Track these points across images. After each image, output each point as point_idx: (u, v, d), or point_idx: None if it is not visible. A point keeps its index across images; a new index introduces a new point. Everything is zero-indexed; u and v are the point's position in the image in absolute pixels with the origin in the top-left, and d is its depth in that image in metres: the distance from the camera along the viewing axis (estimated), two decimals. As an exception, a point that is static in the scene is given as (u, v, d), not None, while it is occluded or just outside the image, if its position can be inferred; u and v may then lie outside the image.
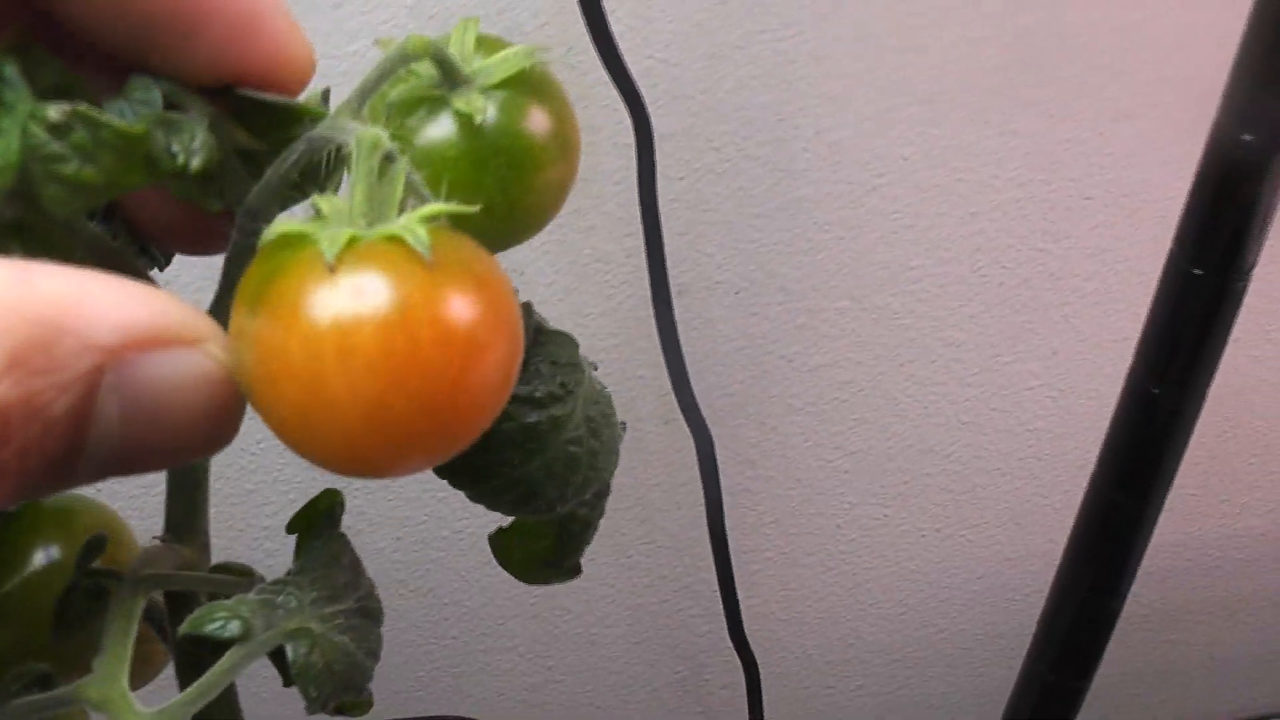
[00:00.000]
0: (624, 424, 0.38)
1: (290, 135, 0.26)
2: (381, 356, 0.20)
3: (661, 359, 0.71)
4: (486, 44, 0.29)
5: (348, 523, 0.86)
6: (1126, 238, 0.82)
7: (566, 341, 0.33)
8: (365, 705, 0.36)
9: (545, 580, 0.38)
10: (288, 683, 0.29)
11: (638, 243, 0.70)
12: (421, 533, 0.81)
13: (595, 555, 0.85)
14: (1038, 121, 0.76)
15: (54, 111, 0.22)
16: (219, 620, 0.27)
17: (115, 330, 0.20)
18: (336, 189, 0.27)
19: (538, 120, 0.28)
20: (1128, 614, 1.00)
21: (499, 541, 0.37)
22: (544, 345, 0.32)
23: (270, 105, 0.26)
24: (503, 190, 0.28)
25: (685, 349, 0.76)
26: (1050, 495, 0.91)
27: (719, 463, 0.75)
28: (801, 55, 0.71)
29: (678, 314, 0.75)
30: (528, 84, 0.28)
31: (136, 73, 0.24)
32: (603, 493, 0.35)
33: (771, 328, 0.79)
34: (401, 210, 0.23)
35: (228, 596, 0.29)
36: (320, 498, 0.33)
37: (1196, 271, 0.58)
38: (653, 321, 0.68)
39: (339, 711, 0.35)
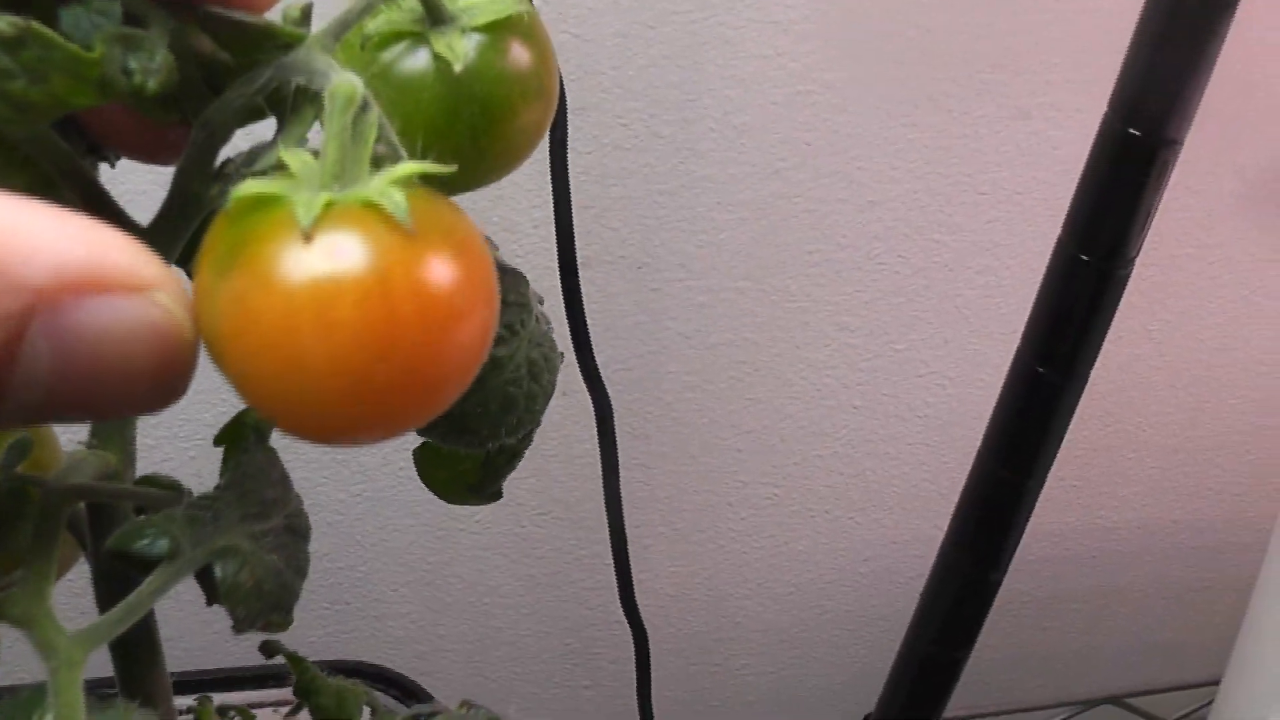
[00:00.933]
0: (562, 354, 0.38)
1: (258, 56, 0.25)
2: (363, 327, 0.20)
3: (565, 330, 0.72)
4: None
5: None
6: (1019, 233, 0.84)
7: (518, 279, 0.33)
8: (285, 622, 0.35)
9: (465, 501, 0.38)
10: (212, 601, 0.28)
11: (545, 213, 0.71)
12: (319, 495, 0.82)
13: (490, 525, 0.86)
14: (937, 116, 0.78)
15: (5, 24, 0.21)
16: (147, 537, 0.27)
17: (48, 270, 0.18)
18: (302, 125, 0.25)
19: (516, 68, 0.27)
20: (1006, 600, 1.03)
21: (423, 459, 0.36)
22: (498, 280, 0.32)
23: (237, 24, 0.24)
24: (473, 138, 0.27)
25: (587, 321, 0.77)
26: (938, 481, 0.94)
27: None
28: (713, 38, 0.72)
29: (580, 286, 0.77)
30: (511, 29, 0.27)
31: None
32: (532, 427, 0.35)
33: (671, 304, 0.80)
34: (374, 166, 0.22)
35: (152, 510, 0.28)
36: (249, 410, 0.32)
37: (1083, 257, 0.61)
38: (559, 292, 0.69)
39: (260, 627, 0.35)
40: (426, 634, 0.90)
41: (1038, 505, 0.97)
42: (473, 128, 0.27)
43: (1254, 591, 0.81)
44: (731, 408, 0.86)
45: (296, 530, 0.31)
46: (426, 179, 0.28)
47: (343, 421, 0.21)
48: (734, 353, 0.84)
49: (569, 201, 0.67)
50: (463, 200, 0.74)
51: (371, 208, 0.20)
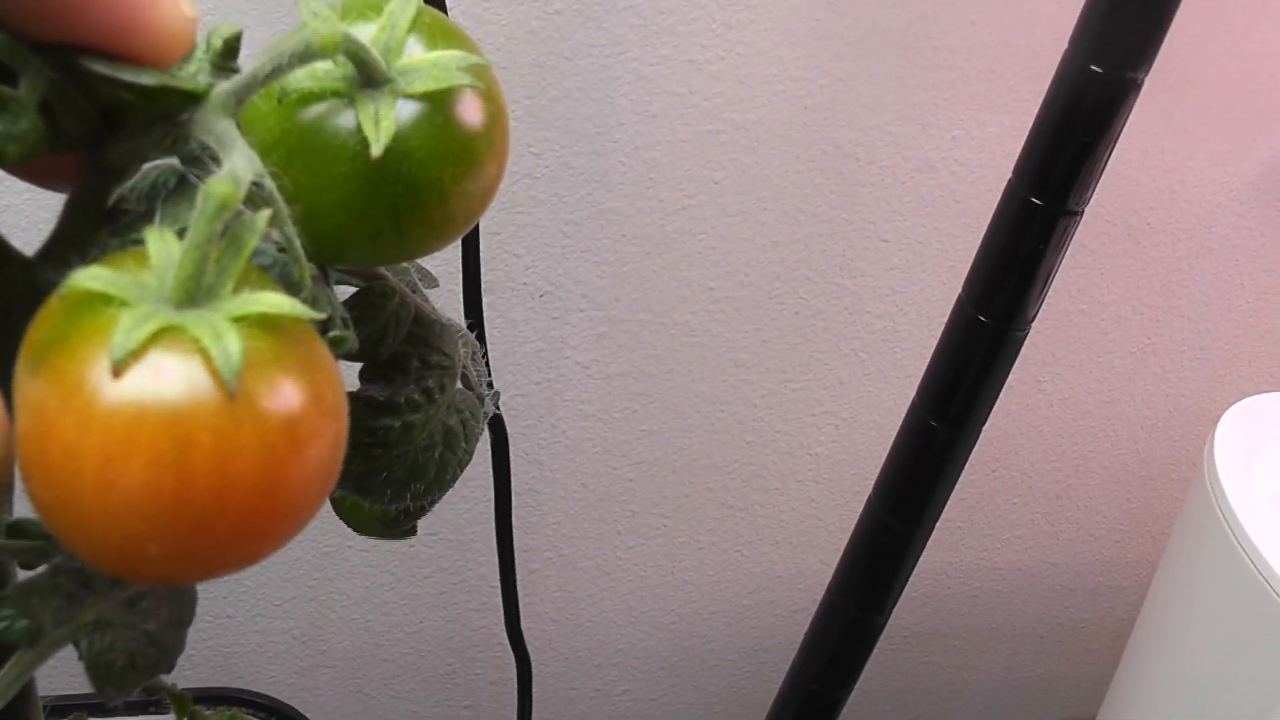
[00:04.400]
0: (497, 394, 0.37)
1: (157, 105, 0.23)
2: (143, 496, 0.18)
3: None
4: (427, 26, 0.24)
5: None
6: (918, 281, 0.85)
7: (447, 339, 0.31)
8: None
9: (379, 535, 0.36)
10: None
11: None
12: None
13: (378, 543, 0.86)
14: (844, 163, 0.79)
15: None
16: (3, 620, 0.24)
17: None
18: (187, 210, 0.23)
19: (453, 145, 0.24)
20: (889, 634, 1.04)
21: (343, 506, 0.34)
22: (422, 340, 0.31)
23: (124, 84, 0.22)
24: (395, 220, 0.24)
25: (487, 346, 0.77)
26: (825, 518, 0.95)
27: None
28: (627, 73, 0.72)
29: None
30: (454, 96, 0.24)
31: None
32: (457, 476, 0.34)
33: (571, 333, 0.80)
34: (246, 277, 0.20)
35: (25, 563, 0.26)
36: None
37: (981, 319, 0.62)
38: (461, 316, 0.69)
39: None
40: (308, 649, 0.89)
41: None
42: (394, 208, 0.24)
43: (1133, 633, 0.83)
44: (625, 437, 0.87)
45: (181, 599, 0.30)
46: (338, 257, 0.27)
47: (119, 572, 0.20)
48: (631, 384, 0.84)
49: (476, 231, 0.66)
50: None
51: (200, 349, 0.18)
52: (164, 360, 0.18)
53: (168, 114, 0.23)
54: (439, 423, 0.31)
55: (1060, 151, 0.58)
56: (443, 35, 0.24)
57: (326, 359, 0.20)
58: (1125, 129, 0.58)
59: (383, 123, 0.23)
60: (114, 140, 0.23)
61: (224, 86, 0.22)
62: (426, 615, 0.90)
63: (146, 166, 0.25)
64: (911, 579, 1.01)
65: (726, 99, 0.75)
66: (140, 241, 0.20)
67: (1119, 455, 1.01)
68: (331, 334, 0.25)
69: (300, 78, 0.23)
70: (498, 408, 0.69)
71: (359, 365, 0.31)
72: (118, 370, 0.18)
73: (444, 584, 0.89)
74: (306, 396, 0.19)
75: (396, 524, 0.37)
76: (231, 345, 0.18)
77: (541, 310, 0.79)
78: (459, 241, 0.67)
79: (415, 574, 0.88)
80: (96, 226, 0.25)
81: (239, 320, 0.19)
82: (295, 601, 0.86)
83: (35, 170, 0.24)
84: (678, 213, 0.78)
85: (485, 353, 0.69)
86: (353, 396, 0.29)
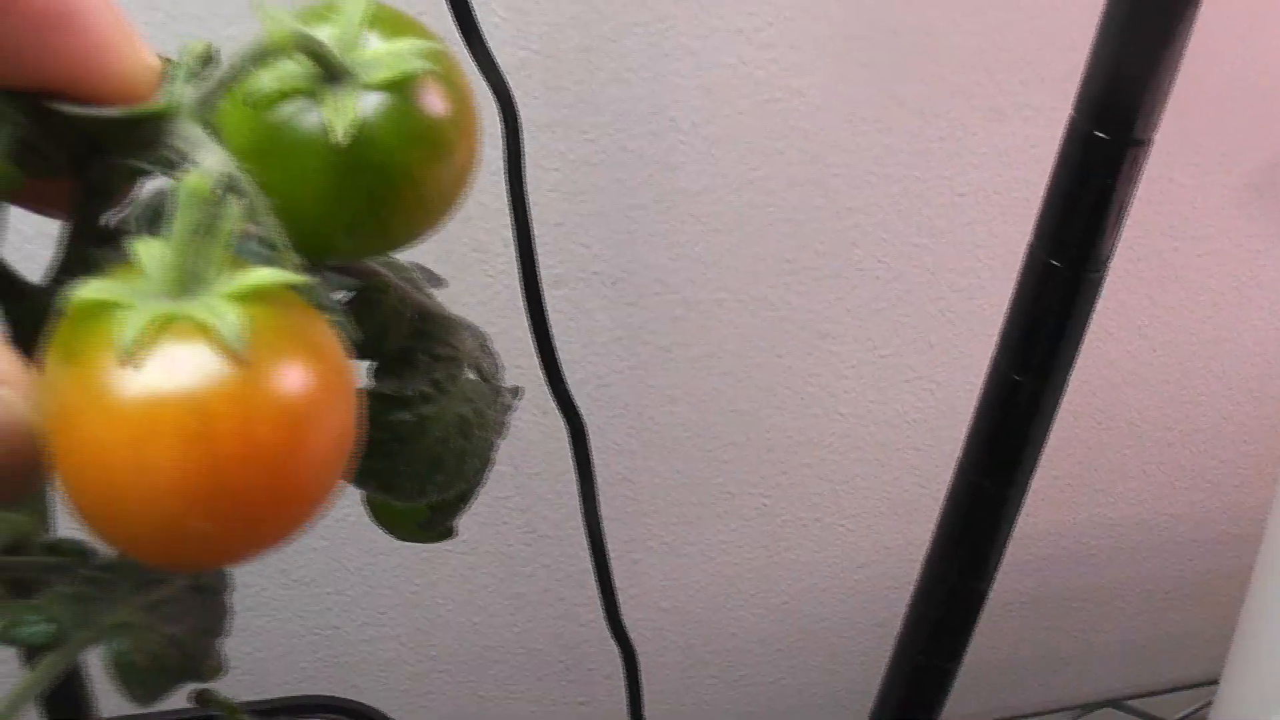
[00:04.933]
0: (519, 390, 0.37)
1: (128, 132, 0.24)
2: (180, 473, 0.19)
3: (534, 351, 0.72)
4: (383, 20, 0.25)
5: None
6: (999, 233, 0.83)
7: (453, 332, 0.32)
8: (217, 670, 0.35)
9: (417, 539, 0.37)
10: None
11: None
12: (301, 523, 0.81)
13: (478, 545, 0.86)
14: (911, 119, 0.78)
15: None
16: (28, 624, 0.25)
17: None
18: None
19: (419, 130, 0.25)
20: (1005, 600, 1.02)
21: (379, 510, 0.35)
22: (427, 334, 0.31)
23: (91, 120, 0.23)
24: (372, 207, 0.25)
25: (563, 339, 0.77)
26: (928, 485, 0.93)
27: (596, 451, 0.75)
28: (676, 49, 0.72)
29: (555, 304, 0.76)
30: (417, 84, 0.25)
31: None
32: (483, 468, 0.35)
33: (649, 318, 0.80)
34: (234, 264, 0.21)
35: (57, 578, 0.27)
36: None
37: (1054, 263, 0.60)
38: (525, 313, 0.69)
39: None
40: (418, 655, 0.89)
41: (1035, 505, 0.96)
42: (369, 196, 0.25)
43: (1250, 584, 0.80)
44: (716, 420, 0.86)
45: (204, 588, 0.30)
46: (325, 251, 0.27)
47: (163, 558, 0.20)
48: (715, 364, 0.83)
49: (528, 219, 0.66)
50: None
51: (202, 328, 0.19)
52: (172, 345, 0.19)
53: (143, 131, 0.24)
54: (452, 413, 0.31)
55: (1121, 77, 0.56)
56: (398, 27, 0.25)
57: (325, 326, 0.21)
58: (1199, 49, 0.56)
59: (344, 113, 0.24)
60: (99, 162, 0.24)
61: (189, 97, 0.23)
62: (533, 614, 0.90)
63: (145, 191, 0.26)
64: (1026, 541, 0.99)
65: (781, 66, 0.74)
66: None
67: (1231, 396, 0.98)
68: (329, 317, 0.26)
69: (265, 81, 0.24)
70: (560, 391, 0.69)
71: (368, 366, 0.31)
72: (129, 362, 0.19)
73: (547, 581, 0.89)
74: (313, 357, 0.20)
75: (432, 525, 0.37)
76: (230, 318, 0.19)
77: (616, 298, 0.79)
78: (513, 240, 0.67)
79: (518, 573, 0.88)
80: (98, 248, 0.26)
81: (235, 297, 0.20)
82: (400, 608, 0.87)
83: (30, 199, 0.25)
84: (744, 187, 0.77)
85: (553, 346, 0.69)
86: (365, 392, 0.30)
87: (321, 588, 0.84)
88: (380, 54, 0.25)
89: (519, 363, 0.77)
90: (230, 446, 0.19)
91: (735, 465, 0.88)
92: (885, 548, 0.96)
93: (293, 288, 0.21)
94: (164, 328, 0.19)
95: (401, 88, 0.24)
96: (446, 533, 0.38)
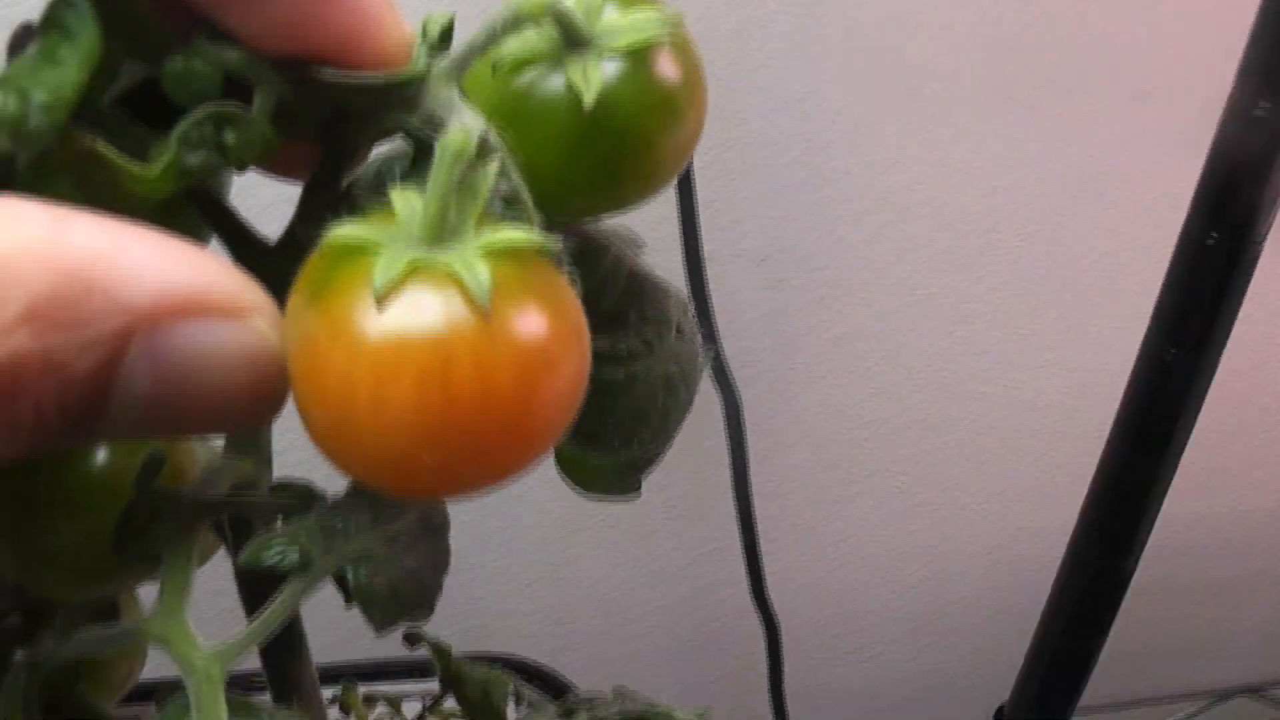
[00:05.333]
0: (711, 349, 0.38)
1: (381, 104, 0.25)
2: (414, 411, 0.19)
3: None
4: None
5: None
6: (1140, 217, 0.84)
7: (660, 293, 0.32)
8: (425, 617, 0.36)
9: (604, 491, 0.38)
10: (351, 605, 0.28)
11: (667, 210, 0.72)
12: (449, 495, 0.83)
13: (616, 522, 0.87)
14: (1055, 100, 0.78)
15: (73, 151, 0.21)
16: (276, 550, 0.26)
17: (150, 293, 0.19)
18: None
19: (656, 96, 0.26)
20: (1143, 590, 1.02)
21: (567, 462, 0.36)
22: (637, 295, 0.32)
23: (350, 87, 0.24)
24: (607, 168, 0.26)
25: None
26: (1064, 469, 0.93)
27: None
28: (827, 32, 0.73)
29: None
30: (654, 52, 0.25)
31: (208, 34, 0.23)
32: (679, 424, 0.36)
33: (794, 297, 0.81)
34: (485, 219, 0.22)
35: (287, 517, 0.28)
36: None
37: (1212, 237, 0.60)
38: (684, 287, 0.70)
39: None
40: (557, 629, 0.91)
41: (1170, 492, 0.96)
42: (606, 158, 0.26)
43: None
44: (854, 399, 0.87)
45: (432, 526, 0.31)
46: (559, 209, 0.29)
47: (394, 486, 0.21)
48: (857, 345, 0.84)
49: (693, 196, 0.67)
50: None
51: (453, 278, 0.20)
52: (422, 291, 0.20)
53: (400, 96, 0.25)
54: (659, 372, 0.32)
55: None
56: None
57: (566, 285, 0.22)
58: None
59: (591, 78, 0.25)
60: (345, 127, 0.26)
61: (445, 61, 0.24)
62: (670, 590, 0.92)
63: (373, 156, 0.27)
64: (1160, 529, 0.99)
65: (931, 50, 0.75)
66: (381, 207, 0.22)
67: (1371, 382, 0.97)
68: (564, 278, 0.27)
69: (511, 47, 0.25)
70: (717, 368, 0.70)
71: None
72: (381, 303, 0.20)
73: (685, 558, 0.90)
74: (552, 316, 0.21)
75: (625, 479, 0.38)
76: (482, 272, 0.20)
77: (762, 276, 0.80)
78: (675, 214, 0.69)
79: (656, 550, 0.90)
80: (333, 209, 0.27)
81: (487, 253, 0.21)
82: (541, 582, 0.88)
83: (275, 164, 0.26)
84: (890, 169, 0.78)
85: (713, 323, 0.70)
86: None
87: (465, 559, 0.86)
88: (620, 23, 0.25)
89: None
90: (467, 390, 0.19)
91: (873, 445, 0.89)
92: (1020, 530, 0.96)
93: (538, 249, 0.22)
94: (416, 273, 0.20)
95: (640, 55, 0.25)
96: (635, 486, 0.39)
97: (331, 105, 0.25)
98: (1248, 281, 0.62)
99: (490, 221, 0.22)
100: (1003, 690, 0.80)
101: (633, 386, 0.32)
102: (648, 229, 0.74)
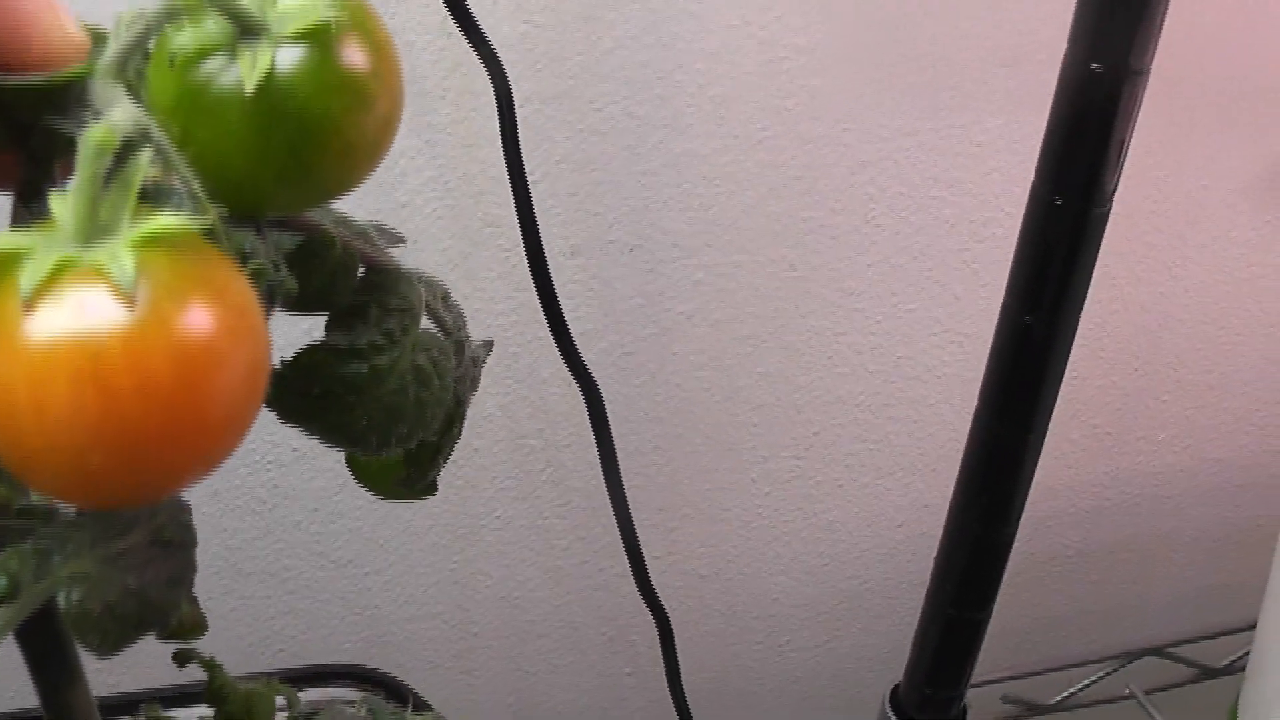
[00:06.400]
0: (489, 344, 0.38)
1: (50, 105, 0.25)
2: (74, 411, 0.19)
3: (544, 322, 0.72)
4: None
5: (261, 496, 0.86)
6: (1021, 181, 0.82)
7: (405, 284, 0.32)
8: (197, 629, 0.35)
9: (400, 497, 0.37)
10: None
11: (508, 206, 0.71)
12: (337, 504, 0.82)
13: (512, 520, 0.86)
14: (921, 71, 0.77)
15: None
16: None
17: None
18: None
19: (336, 79, 0.26)
20: (1052, 555, 1.01)
21: (359, 468, 0.37)
22: (377, 287, 0.32)
23: (7, 88, 0.24)
24: (295, 157, 0.26)
25: (582, 309, 0.77)
26: (963, 440, 0.92)
27: (620, 420, 0.76)
28: (677, 12, 0.71)
29: (571, 275, 0.76)
30: (331, 35, 0.25)
31: None
32: (453, 421, 0.35)
33: (668, 284, 0.80)
34: (142, 213, 0.22)
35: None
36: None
37: (1057, 201, 0.59)
38: (533, 290, 0.69)
39: (171, 637, 0.35)
40: (460, 632, 0.90)
41: (1075, 457, 0.96)
42: (292, 146, 0.26)
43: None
44: (743, 383, 0.85)
45: (168, 542, 0.31)
46: (260, 203, 0.28)
47: (72, 494, 0.21)
48: (739, 328, 0.83)
49: (527, 190, 0.66)
50: (449, 201, 0.74)
51: (99, 273, 0.20)
52: (69, 289, 0.20)
53: (67, 96, 0.24)
54: (407, 363, 0.32)
55: (1113, 5, 0.55)
56: None
57: (232, 270, 0.22)
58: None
59: (258, 65, 0.25)
60: (37, 132, 0.25)
61: (105, 58, 0.24)
62: (572, 586, 0.91)
63: None
64: (1068, 493, 0.99)
65: (785, 24, 0.73)
66: None
67: (1272, 333, 0.96)
68: (252, 265, 0.27)
69: (185, 41, 0.25)
70: (572, 360, 0.69)
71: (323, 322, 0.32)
72: (30, 305, 0.19)
73: (584, 553, 0.89)
74: (214, 302, 0.21)
75: (410, 481, 0.37)
76: (126, 262, 0.20)
77: (634, 265, 0.79)
78: (514, 213, 0.67)
79: (554, 546, 0.88)
80: (42, 213, 0.26)
81: (135, 243, 0.20)
82: (439, 585, 0.87)
83: None
84: (755, 147, 0.77)
85: (562, 316, 0.69)
86: (317, 347, 0.31)
87: (360, 568, 0.85)
88: (294, 8, 0.25)
89: (540, 335, 0.77)
90: (122, 384, 0.19)
91: (765, 428, 0.88)
92: (923, 505, 0.95)
93: (203, 233, 0.22)
94: (63, 273, 0.20)
95: (317, 40, 0.25)
96: (429, 489, 0.39)
97: (19, 111, 0.25)
98: (1098, 242, 0.61)
99: (148, 215, 0.22)
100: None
101: (379, 381, 0.32)
102: (510, 225, 0.73)
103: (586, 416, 0.80)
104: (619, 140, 0.74)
